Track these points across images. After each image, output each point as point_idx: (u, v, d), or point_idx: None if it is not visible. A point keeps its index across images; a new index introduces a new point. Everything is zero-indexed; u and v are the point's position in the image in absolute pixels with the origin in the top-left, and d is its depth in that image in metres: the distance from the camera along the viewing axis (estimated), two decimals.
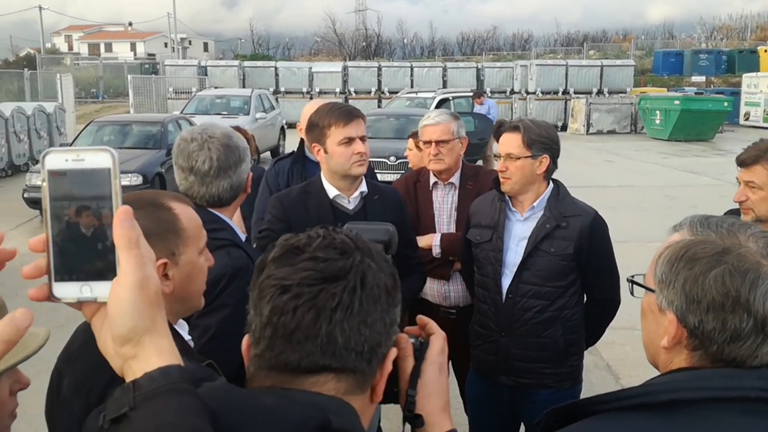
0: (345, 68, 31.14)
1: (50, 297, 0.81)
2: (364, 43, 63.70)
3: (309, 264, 0.94)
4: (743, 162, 2.61)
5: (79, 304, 0.83)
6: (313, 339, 0.92)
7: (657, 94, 26.83)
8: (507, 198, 2.91)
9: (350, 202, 2.80)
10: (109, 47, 70.23)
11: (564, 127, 28.26)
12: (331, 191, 2.77)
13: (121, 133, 12.90)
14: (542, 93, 29.00)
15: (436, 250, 3.36)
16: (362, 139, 2.73)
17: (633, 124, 26.79)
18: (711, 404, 1.05)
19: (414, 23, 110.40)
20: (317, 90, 29.65)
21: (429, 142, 3.41)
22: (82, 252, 0.81)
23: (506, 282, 2.89)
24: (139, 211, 1.56)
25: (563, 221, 2.80)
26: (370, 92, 29.92)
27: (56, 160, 0.81)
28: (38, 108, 16.92)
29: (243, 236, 2.22)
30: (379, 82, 30.44)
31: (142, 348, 0.79)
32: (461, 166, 3.49)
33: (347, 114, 2.72)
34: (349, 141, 2.70)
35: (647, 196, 13.04)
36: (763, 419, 1.03)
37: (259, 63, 32.82)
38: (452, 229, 3.42)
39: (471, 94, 18.76)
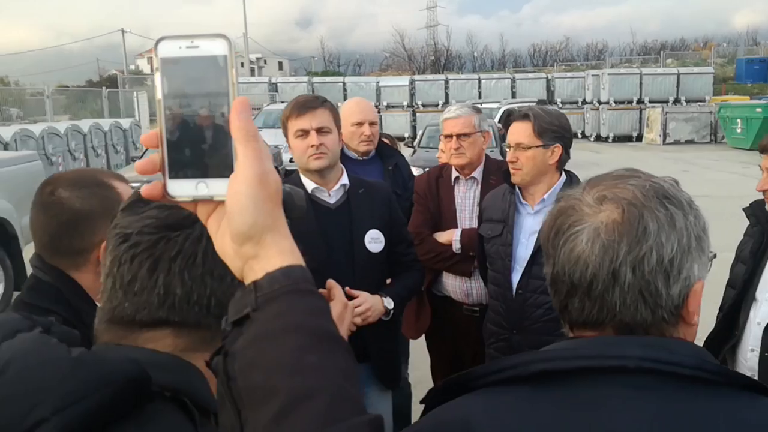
0: (412, 82, 31.24)
1: (165, 195, 0.76)
2: (432, 58, 63.80)
3: (153, 212, 0.89)
4: (765, 148, 2.41)
5: (194, 204, 0.77)
6: (150, 290, 0.86)
7: (738, 102, 25.70)
8: (517, 190, 2.79)
9: (331, 195, 2.66)
10: None
11: (639, 137, 27.45)
12: (309, 185, 2.64)
13: None
14: (615, 102, 28.23)
15: (456, 246, 3.25)
16: (321, 130, 2.56)
17: (713, 133, 25.74)
18: (588, 375, 0.90)
19: (485, 37, 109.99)
20: (385, 104, 29.84)
21: (450, 136, 3.31)
22: (198, 147, 0.75)
23: (516, 277, 2.76)
24: (83, 190, 1.55)
25: None
26: (437, 105, 29.81)
27: (169, 47, 0.75)
28: (114, 124, 17.70)
29: None
30: (447, 94, 30.37)
31: (263, 246, 0.73)
32: (484, 160, 3.38)
33: (301, 106, 2.60)
34: (304, 134, 2.58)
35: (723, 207, 12.40)
36: (645, 394, 0.88)
37: (328, 78, 33.42)
38: (474, 224, 3.30)
39: (536, 103, 18.46)
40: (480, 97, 28.42)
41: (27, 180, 6.86)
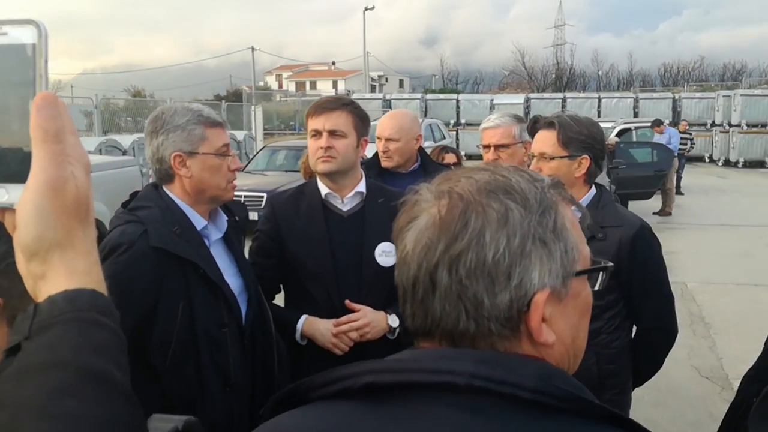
0: (527, 100, 30.62)
1: None
2: (554, 76, 62.41)
3: None
4: None
5: (2, 212, 0.69)
6: None
7: None
8: None
9: (344, 202, 2.52)
10: (313, 85, 75.38)
11: None
12: (323, 189, 2.52)
13: (294, 156, 13.65)
14: (747, 126, 26.28)
15: None
16: (334, 133, 2.42)
17: None
18: (420, 391, 0.75)
19: (614, 55, 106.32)
20: None
21: (488, 147, 3.11)
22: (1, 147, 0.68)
23: None
24: None
25: (600, 232, 2.37)
26: None
27: None
28: (229, 136, 18.45)
29: (201, 223, 2.08)
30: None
31: (51, 266, 0.65)
32: None
33: (318, 106, 2.48)
34: (316, 134, 2.45)
35: None
36: (473, 417, 0.72)
37: (441, 96, 33.35)
38: None
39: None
40: (599, 116, 27.38)
41: (123, 184, 7.18)
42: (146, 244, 1.87)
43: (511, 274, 0.79)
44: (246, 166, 13.53)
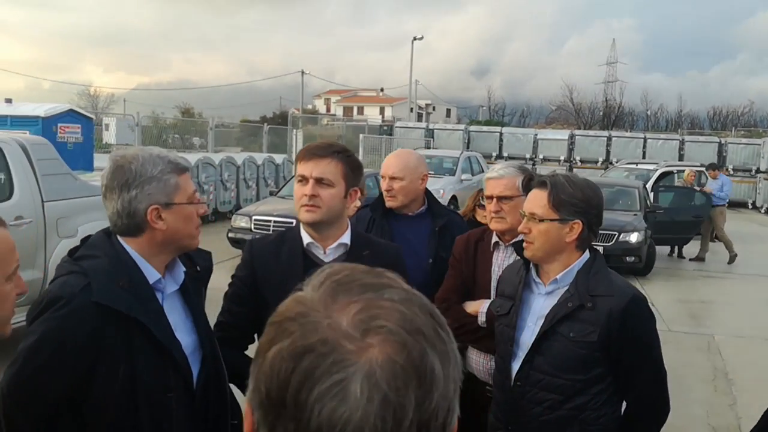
0: (572, 136, 30.30)
1: None
2: (601, 113, 61.73)
3: None
4: None
5: None
6: None
7: None
8: (531, 265, 2.47)
9: (327, 253, 2.43)
10: (360, 110, 75.93)
11: None
12: (306, 238, 2.43)
13: None
14: None
15: (482, 318, 2.95)
16: (320, 181, 2.34)
17: None
18: None
19: (664, 96, 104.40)
20: (541, 156, 29.16)
21: (491, 198, 3.05)
22: None
23: (516, 366, 2.41)
24: None
25: (589, 301, 2.27)
26: (597, 162, 28.67)
27: None
28: (268, 159, 18.70)
29: (154, 276, 1.95)
30: (608, 152, 29.10)
31: None
32: None
33: (308, 151, 2.40)
34: (302, 180, 2.37)
35: None
36: None
37: (485, 128, 33.26)
38: None
39: (700, 167, 17.16)
40: (644, 157, 26.94)
41: None
42: (88, 298, 1.73)
43: (454, 412, 0.72)
44: (279, 191, 13.58)
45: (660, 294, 10.00)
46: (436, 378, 0.67)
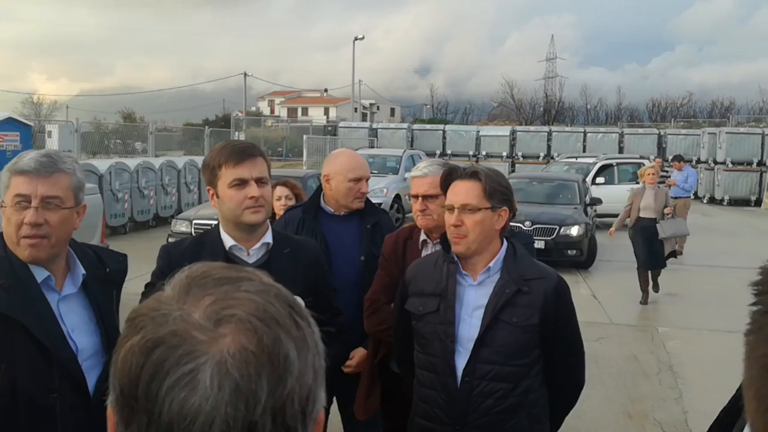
0: (513, 132, 30.68)
1: None
2: (542, 109, 62.82)
3: None
4: None
5: None
6: None
7: None
8: (456, 259, 2.41)
9: (250, 254, 2.38)
10: (305, 111, 75.52)
11: (758, 202, 25.46)
12: (228, 241, 2.38)
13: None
14: (733, 163, 26.38)
15: None
16: (260, 181, 2.31)
17: None
18: None
19: (604, 90, 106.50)
20: (484, 153, 29.44)
21: (416, 197, 2.98)
22: None
23: (461, 362, 2.36)
24: None
25: (524, 285, 2.32)
26: (538, 157, 29.09)
27: None
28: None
29: (42, 275, 1.94)
30: (549, 146, 29.57)
31: None
32: None
33: (239, 152, 2.32)
34: (241, 183, 2.29)
35: None
36: None
37: (428, 126, 33.45)
38: None
39: (639, 159, 17.53)
40: (584, 151, 27.43)
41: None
42: None
43: (316, 400, 0.71)
44: None
45: (603, 288, 10.09)
46: (290, 364, 0.67)
